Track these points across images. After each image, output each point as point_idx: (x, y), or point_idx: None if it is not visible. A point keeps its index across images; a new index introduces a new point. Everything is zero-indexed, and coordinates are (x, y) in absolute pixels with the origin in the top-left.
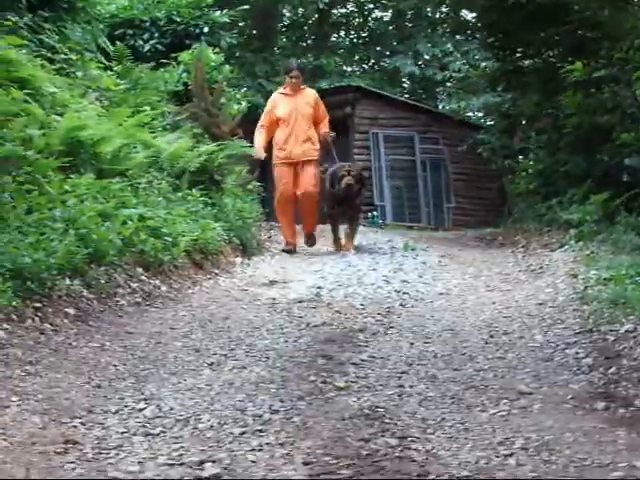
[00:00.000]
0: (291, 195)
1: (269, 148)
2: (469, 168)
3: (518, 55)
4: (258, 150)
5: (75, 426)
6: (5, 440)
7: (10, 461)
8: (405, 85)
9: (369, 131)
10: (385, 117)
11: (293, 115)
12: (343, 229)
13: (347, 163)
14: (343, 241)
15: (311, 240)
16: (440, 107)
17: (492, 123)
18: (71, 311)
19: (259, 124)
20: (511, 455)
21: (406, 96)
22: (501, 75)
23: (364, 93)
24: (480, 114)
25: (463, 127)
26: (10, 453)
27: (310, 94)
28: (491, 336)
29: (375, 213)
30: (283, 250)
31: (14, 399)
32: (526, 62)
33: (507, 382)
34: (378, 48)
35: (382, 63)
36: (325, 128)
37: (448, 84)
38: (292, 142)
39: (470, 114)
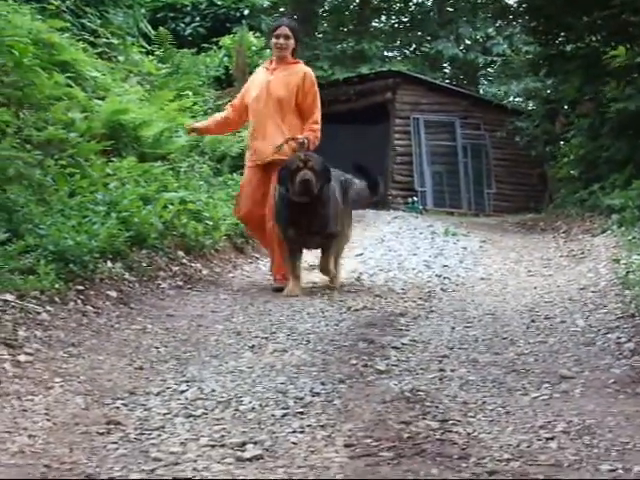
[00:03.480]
0: (255, 216)
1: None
2: (510, 153)
3: (560, 40)
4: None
5: (117, 407)
6: (49, 420)
7: (54, 441)
8: (446, 70)
9: (410, 116)
10: (426, 102)
11: (263, 98)
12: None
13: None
14: (296, 280)
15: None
16: (481, 92)
17: (533, 108)
18: (113, 294)
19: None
20: (553, 439)
21: (447, 81)
22: (543, 60)
23: (405, 78)
24: (521, 99)
25: (504, 112)
26: (54, 433)
27: (299, 71)
28: (532, 321)
29: (415, 199)
30: (274, 289)
31: (57, 380)
32: (568, 47)
33: (549, 366)
34: (419, 33)
35: (423, 48)
36: (310, 130)
37: (489, 69)
38: (259, 136)
39: (511, 99)
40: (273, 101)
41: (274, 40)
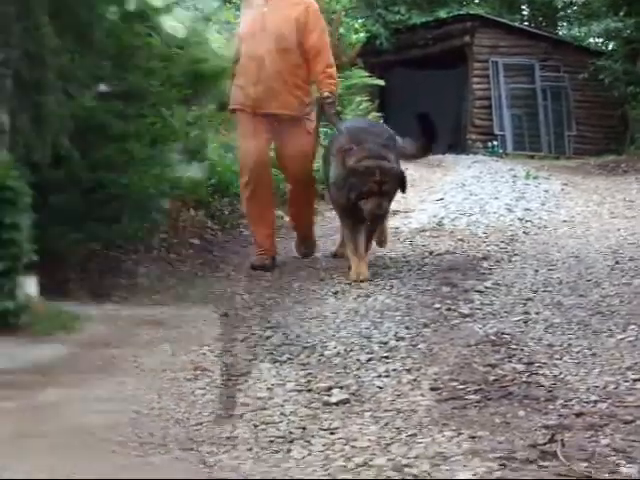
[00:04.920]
0: (261, 166)
1: None
2: (590, 95)
3: None
4: None
5: (204, 354)
6: (137, 367)
7: (143, 387)
8: (524, 12)
9: (488, 60)
10: (505, 45)
11: (257, 33)
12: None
13: (373, 160)
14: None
15: (307, 246)
16: (560, 34)
17: (614, 49)
18: (196, 242)
19: None
20: None
21: (526, 23)
22: None
23: (483, 21)
24: (601, 40)
25: (584, 54)
26: (142, 379)
27: (299, 2)
28: (617, 262)
29: (495, 143)
30: (253, 266)
31: (144, 327)
32: None
33: (634, 308)
34: None
35: None
36: (326, 78)
37: (569, 10)
38: (250, 78)
39: (591, 40)
40: (270, 37)
41: None
